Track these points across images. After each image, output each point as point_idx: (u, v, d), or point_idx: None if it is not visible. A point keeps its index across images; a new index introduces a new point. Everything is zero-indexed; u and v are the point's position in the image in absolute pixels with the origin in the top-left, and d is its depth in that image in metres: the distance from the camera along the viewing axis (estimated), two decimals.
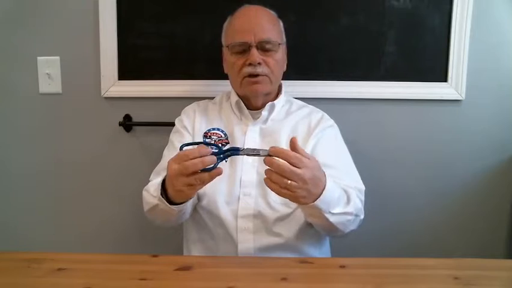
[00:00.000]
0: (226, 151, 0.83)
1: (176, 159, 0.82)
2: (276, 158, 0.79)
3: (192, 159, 0.79)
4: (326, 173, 0.88)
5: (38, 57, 1.42)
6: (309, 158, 0.82)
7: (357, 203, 0.96)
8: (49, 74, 1.42)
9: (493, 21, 1.34)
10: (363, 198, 1.03)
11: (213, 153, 0.81)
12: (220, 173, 0.82)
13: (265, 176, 0.81)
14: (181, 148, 0.87)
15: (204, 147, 0.82)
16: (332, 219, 0.89)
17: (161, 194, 0.90)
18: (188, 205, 0.97)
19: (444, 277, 0.78)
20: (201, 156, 0.80)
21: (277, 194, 0.82)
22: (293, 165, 0.79)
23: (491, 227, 1.42)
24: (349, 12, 1.34)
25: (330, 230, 0.95)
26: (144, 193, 1.03)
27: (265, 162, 0.80)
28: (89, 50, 1.40)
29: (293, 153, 0.80)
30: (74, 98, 1.43)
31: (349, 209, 0.92)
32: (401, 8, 1.33)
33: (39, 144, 1.46)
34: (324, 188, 0.85)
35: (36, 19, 1.40)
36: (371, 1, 1.34)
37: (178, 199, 0.89)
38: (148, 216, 1.03)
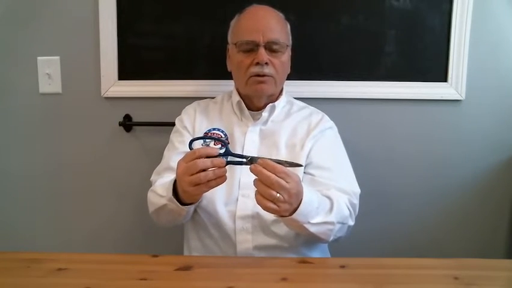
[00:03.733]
0: (232, 157, 0.84)
1: (185, 158, 0.83)
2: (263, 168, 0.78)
3: (198, 157, 0.81)
4: (315, 176, 0.91)
5: (38, 57, 1.42)
6: (292, 173, 0.82)
7: (342, 211, 0.95)
8: (49, 74, 1.42)
9: (493, 21, 1.34)
10: (357, 202, 1.01)
11: (220, 155, 0.82)
12: (224, 181, 0.83)
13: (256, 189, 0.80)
14: (190, 142, 0.87)
15: (211, 148, 0.83)
16: (312, 229, 0.88)
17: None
18: (193, 208, 0.98)
19: (444, 277, 0.78)
20: (208, 157, 0.81)
21: (262, 208, 0.81)
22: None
23: (491, 227, 1.42)
24: (349, 12, 1.34)
25: (313, 238, 0.94)
26: (150, 194, 1.03)
27: (251, 170, 0.79)
28: (89, 50, 1.40)
29: (280, 167, 0.79)
30: (74, 98, 1.43)
31: (330, 218, 0.91)
32: (401, 8, 1.33)
33: (39, 144, 1.46)
34: (301, 201, 0.84)
35: (36, 19, 1.40)
36: (371, 1, 1.34)
37: (187, 200, 0.90)
38: (154, 217, 1.04)
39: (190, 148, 0.86)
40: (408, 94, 1.36)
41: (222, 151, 1.06)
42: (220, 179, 0.82)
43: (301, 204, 0.84)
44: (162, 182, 1.01)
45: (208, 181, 0.81)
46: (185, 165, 0.82)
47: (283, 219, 0.86)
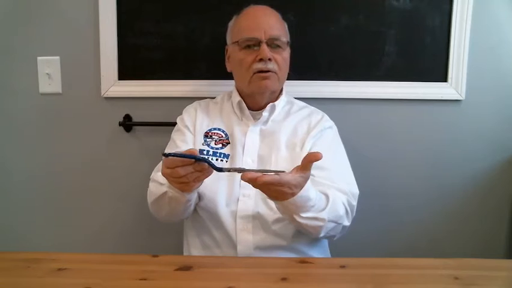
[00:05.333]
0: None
1: (167, 163, 0.82)
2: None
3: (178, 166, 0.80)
4: (314, 177, 0.91)
5: (38, 57, 1.42)
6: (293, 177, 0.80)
7: (337, 210, 0.94)
8: (49, 74, 1.42)
9: (493, 21, 1.34)
10: (355, 203, 1.01)
11: (199, 159, 0.80)
12: (211, 173, 0.83)
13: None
14: (167, 155, 0.83)
15: (187, 160, 0.80)
16: (300, 220, 0.88)
17: None
18: (194, 198, 0.97)
19: (444, 277, 0.78)
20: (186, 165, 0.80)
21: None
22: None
23: (491, 227, 1.42)
24: (349, 12, 1.34)
25: (302, 229, 0.94)
26: (151, 184, 1.03)
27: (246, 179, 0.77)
28: (89, 50, 1.40)
29: (271, 178, 0.77)
30: (74, 98, 1.43)
31: (322, 215, 0.90)
32: (401, 8, 1.34)
33: (39, 144, 1.46)
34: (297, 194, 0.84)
35: (36, 19, 1.40)
36: (371, 1, 1.34)
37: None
38: (153, 209, 1.03)
39: (164, 155, 0.82)
40: (408, 94, 1.37)
41: (223, 150, 1.07)
42: (207, 172, 0.82)
43: (296, 196, 0.83)
44: None
45: (196, 177, 0.82)
46: (169, 171, 0.82)
47: (278, 203, 0.87)
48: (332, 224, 0.94)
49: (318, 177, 1.00)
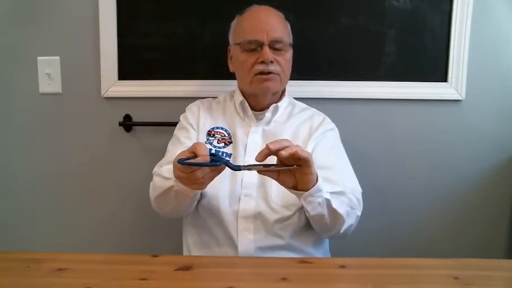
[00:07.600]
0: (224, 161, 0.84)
1: (183, 169, 0.82)
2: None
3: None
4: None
5: (38, 57, 1.42)
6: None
7: (351, 198, 0.97)
8: (49, 74, 1.42)
9: (493, 21, 1.34)
10: (360, 197, 1.02)
11: (218, 164, 0.81)
12: (223, 169, 0.84)
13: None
14: (181, 161, 0.81)
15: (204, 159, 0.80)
16: (332, 200, 0.90)
17: None
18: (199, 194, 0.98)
19: (444, 277, 0.78)
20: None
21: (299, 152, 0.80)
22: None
23: (491, 227, 1.42)
24: (349, 12, 1.34)
25: (333, 219, 0.93)
26: (155, 178, 1.03)
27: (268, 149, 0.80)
28: (89, 50, 1.40)
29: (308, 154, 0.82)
30: (74, 98, 1.43)
31: (342, 192, 0.95)
32: (401, 8, 1.34)
33: (39, 144, 1.46)
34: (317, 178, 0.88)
35: (36, 19, 1.40)
36: (371, 1, 1.34)
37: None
38: (157, 203, 1.03)
39: (180, 162, 0.81)
40: (408, 94, 1.37)
41: (226, 149, 1.07)
42: (222, 169, 0.84)
43: (317, 182, 0.87)
44: (169, 167, 0.97)
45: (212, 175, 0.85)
46: (183, 174, 0.83)
47: (304, 194, 0.88)
48: (350, 207, 0.96)
49: (323, 176, 1.00)
